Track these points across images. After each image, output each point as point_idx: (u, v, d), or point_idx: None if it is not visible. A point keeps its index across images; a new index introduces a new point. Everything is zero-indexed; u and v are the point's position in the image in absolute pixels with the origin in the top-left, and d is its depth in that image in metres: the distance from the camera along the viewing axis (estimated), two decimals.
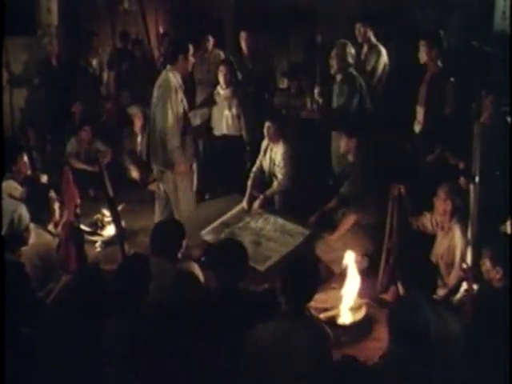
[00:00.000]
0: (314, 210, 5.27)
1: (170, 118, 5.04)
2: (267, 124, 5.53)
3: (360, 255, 4.60)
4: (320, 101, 5.97)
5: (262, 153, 5.75)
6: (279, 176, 5.56)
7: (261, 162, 5.76)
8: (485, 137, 3.52)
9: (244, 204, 5.55)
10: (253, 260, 4.50)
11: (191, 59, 5.23)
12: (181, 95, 5.15)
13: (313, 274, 3.14)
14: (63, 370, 3.17)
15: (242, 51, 6.82)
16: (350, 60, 5.74)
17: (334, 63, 5.72)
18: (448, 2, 7.44)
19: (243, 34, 6.76)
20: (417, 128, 5.50)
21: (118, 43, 8.00)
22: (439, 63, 5.35)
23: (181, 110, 5.14)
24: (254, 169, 5.75)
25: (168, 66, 5.25)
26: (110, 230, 5.60)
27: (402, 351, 2.84)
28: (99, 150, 6.63)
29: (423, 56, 5.35)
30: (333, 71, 5.73)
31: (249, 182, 5.66)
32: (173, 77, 5.12)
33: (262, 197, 5.52)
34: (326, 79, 6.01)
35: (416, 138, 5.51)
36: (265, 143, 5.71)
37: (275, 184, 5.58)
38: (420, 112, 5.46)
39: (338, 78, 5.71)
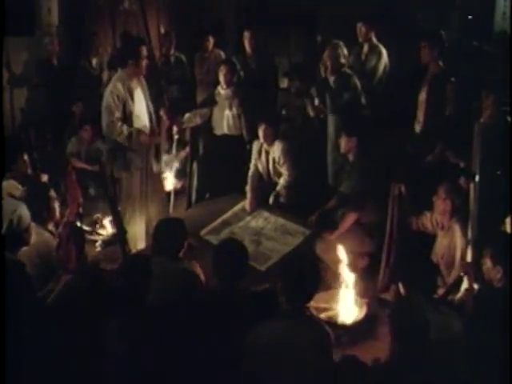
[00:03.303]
0: (314, 210, 5.27)
1: (107, 129, 4.97)
2: (263, 126, 5.51)
3: (360, 254, 4.61)
4: (320, 101, 5.96)
5: (256, 155, 5.72)
6: (284, 172, 5.57)
7: (255, 164, 5.73)
8: (485, 136, 3.52)
9: (247, 207, 5.54)
10: (253, 259, 4.51)
11: (144, 63, 4.99)
12: (121, 106, 4.92)
13: (313, 273, 3.13)
14: (64, 370, 3.17)
15: (245, 51, 6.82)
16: (343, 60, 5.71)
17: (327, 65, 5.69)
18: (448, 2, 7.44)
19: (247, 34, 6.74)
20: (417, 127, 5.50)
21: (119, 43, 7.99)
22: (440, 63, 5.35)
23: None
24: (250, 173, 5.71)
25: (119, 71, 5.05)
26: (110, 230, 5.62)
27: (402, 351, 2.85)
28: (100, 150, 6.63)
29: (424, 56, 5.35)
30: (327, 72, 5.71)
31: (247, 187, 5.64)
32: (120, 84, 4.93)
33: (274, 194, 5.56)
34: (326, 79, 6.00)
35: (416, 137, 5.51)
36: (257, 145, 5.68)
37: (282, 180, 5.59)
38: (420, 111, 5.46)
39: (332, 78, 5.70)
